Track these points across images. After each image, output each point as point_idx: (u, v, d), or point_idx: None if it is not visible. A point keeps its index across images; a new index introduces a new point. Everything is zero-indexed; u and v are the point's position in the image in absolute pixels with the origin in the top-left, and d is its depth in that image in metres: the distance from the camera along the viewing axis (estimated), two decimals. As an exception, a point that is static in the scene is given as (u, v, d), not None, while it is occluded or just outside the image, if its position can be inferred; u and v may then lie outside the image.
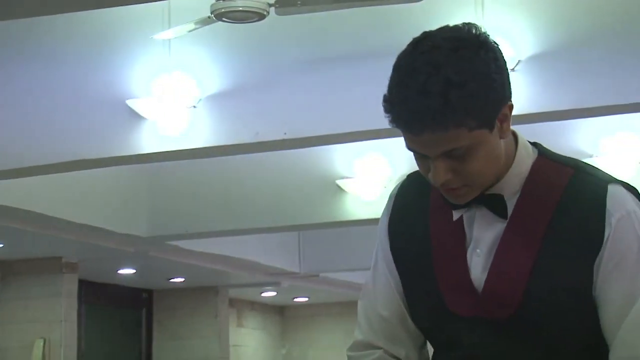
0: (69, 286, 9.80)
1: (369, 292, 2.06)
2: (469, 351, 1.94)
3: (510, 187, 1.90)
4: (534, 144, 1.96)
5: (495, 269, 1.90)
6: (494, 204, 1.90)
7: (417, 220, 2.00)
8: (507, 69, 1.84)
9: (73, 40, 5.89)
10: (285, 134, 5.67)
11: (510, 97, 1.84)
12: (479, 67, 1.77)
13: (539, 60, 5.17)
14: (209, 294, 12.04)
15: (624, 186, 1.91)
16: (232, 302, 13.19)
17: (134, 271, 10.87)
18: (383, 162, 7.70)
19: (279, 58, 5.72)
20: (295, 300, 14.73)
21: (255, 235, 9.35)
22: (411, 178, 2.04)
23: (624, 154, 6.89)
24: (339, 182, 7.90)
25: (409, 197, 2.02)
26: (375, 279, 2.06)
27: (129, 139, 5.89)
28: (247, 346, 14.47)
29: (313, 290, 13.37)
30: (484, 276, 1.91)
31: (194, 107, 5.79)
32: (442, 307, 1.95)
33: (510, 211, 1.90)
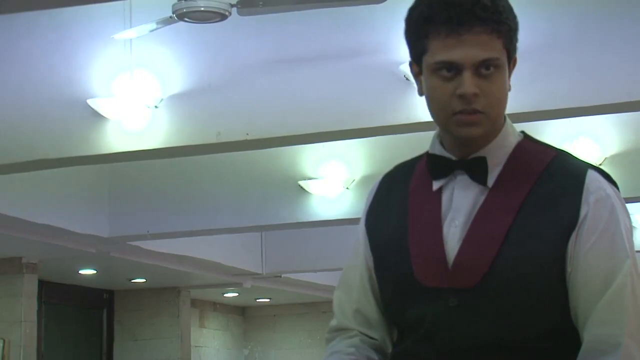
0: (29, 287, 9.72)
1: (345, 284, 2.08)
2: (432, 327, 1.92)
3: (495, 156, 1.93)
4: (521, 132, 2.01)
5: (468, 238, 1.90)
6: (476, 169, 1.92)
7: (398, 200, 2.02)
8: None
9: (33, 39, 5.84)
10: (247, 134, 5.66)
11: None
12: (510, 3, 1.92)
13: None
14: (171, 295, 11.99)
15: (605, 176, 1.93)
16: (194, 303, 13.14)
17: (95, 272, 10.81)
18: (344, 164, 7.70)
19: (242, 58, 5.70)
20: (258, 300, 14.71)
21: (217, 235, 9.33)
22: (397, 167, 2.07)
23: (584, 158, 6.95)
24: (301, 182, 7.90)
25: (392, 182, 2.05)
26: (351, 272, 2.07)
27: (90, 138, 5.85)
28: (209, 347, 14.43)
29: (275, 291, 13.36)
30: (459, 246, 1.91)
31: (156, 106, 5.76)
32: (409, 279, 1.94)
33: (491, 183, 1.92)
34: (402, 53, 4.94)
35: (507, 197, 1.90)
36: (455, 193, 1.94)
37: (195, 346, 13.36)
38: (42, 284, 10.19)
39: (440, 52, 1.86)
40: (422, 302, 1.94)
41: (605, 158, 7.12)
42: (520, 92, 5.17)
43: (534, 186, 1.90)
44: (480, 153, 1.93)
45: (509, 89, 1.93)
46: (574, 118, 6.70)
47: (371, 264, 2.03)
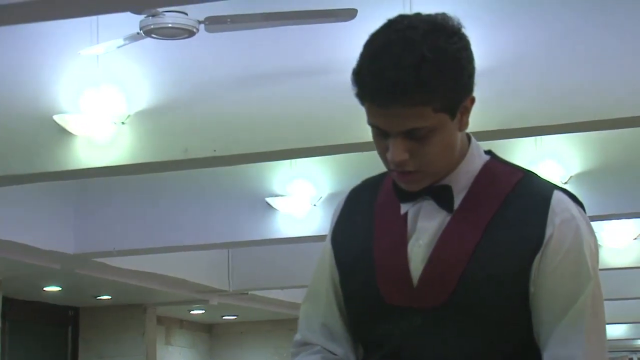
0: (-7, 304, 9.64)
1: (312, 296, 2.08)
2: (398, 345, 1.93)
3: (460, 182, 1.92)
4: (488, 152, 2.00)
5: (434, 258, 1.91)
6: (442, 197, 1.92)
7: (364, 216, 2.01)
8: (474, 63, 1.88)
9: (-1, 54, 5.82)
10: (215, 150, 5.65)
11: (473, 91, 1.87)
12: (451, 52, 1.81)
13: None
14: (137, 312, 11.92)
15: (571, 197, 1.94)
16: (161, 320, 13.07)
17: (60, 288, 10.72)
18: (312, 181, 7.70)
19: (209, 74, 5.69)
20: (224, 318, 14.65)
21: (184, 252, 9.29)
22: (365, 182, 2.07)
23: (549, 177, 7.02)
24: (268, 199, 7.89)
25: (359, 197, 2.05)
26: (316, 284, 2.07)
27: (57, 154, 5.82)
28: (175, 364, 14.36)
29: (242, 308, 13.31)
30: (423, 266, 1.91)
31: (123, 122, 5.73)
32: (376, 297, 1.95)
33: (457, 205, 1.92)
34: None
35: (473, 219, 1.91)
36: (421, 214, 1.94)
37: (161, 364, 13.28)
38: (6, 300, 10.09)
39: (369, 114, 1.83)
40: (389, 320, 1.94)
41: (571, 177, 7.17)
42: (486, 111, 5.21)
43: (500, 207, 1.90)
44: (445, 181, 1.92)
45: (465, 127, 1.89)
46: (539, 137, 6.75)
47: (337, 280, 2.03)
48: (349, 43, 5.21)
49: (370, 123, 1.85)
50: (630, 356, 20.04)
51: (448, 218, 1.92)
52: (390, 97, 1.79)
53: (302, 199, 7.73)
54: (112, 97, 5.69)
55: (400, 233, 1.95)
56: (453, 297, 1.88)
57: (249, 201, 7.99)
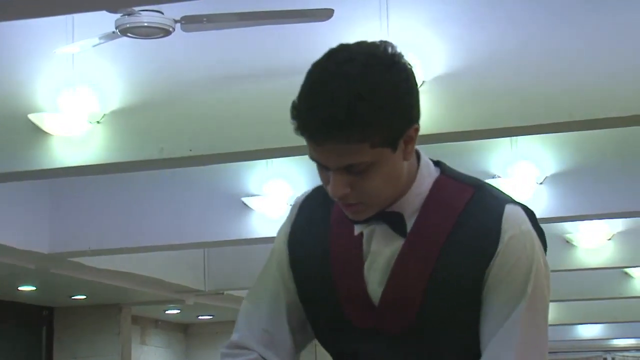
0: (-33, 303, 9.58)
1: (255, 298, 2.06)
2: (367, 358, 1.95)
3: (411, 206, 1.91)
4: (437, 163, 1.97)
5: (391, 285, 1.91)
6: (394, 222, 1.91)
7: (319, 231, 2.00)
8: (417, 92, 1.85)
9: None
10: (190, 150, 5.64)
11: (417, 119, 1.84)
12: (388, 85, 1.78)
13: (443, 80, 5.23)
14: (112, 312, 11.87)
15: (522, 208, 1.94)
16: (136, 320, 13.03)
17: (35, 288, 10.67)
18: (288, 181, 7.70)
19: (185, 74, 5.68)
20: (200, 318, 14.62)
21: (160, 252, 9.26)
22: (318, 190, 2.04)
23: (525, 177, 7.06)
24: (244, 199, 7.88)
25: (313, 208, 2.03)
26: (264, 286, 2.06)
27: (31, 153, 5.79)
28: (151, 364, 14.32)
29: (218, 308, 13.28)
30: (381, 289, 1.92)
31: (98, 122, 5.71)
32: (340, 318, 1.96)
33: (409, 229, 1.91)
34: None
35: (426, 243, 1.90)
36: (375, 237, 1.93)
37: (137, 364, 13.23)
38: (-20, 300, 10.04)
39: (309, 148, 1.82)
40: (355, 339, 1.96)
41: (546, 177, 7.20)
42: (461, 111, 5.22)
43: (453, 227, 1.90)
44: (396, 207, 1.90)
45: (410, 157, 1.86)
46: (514, 138, 6.77)
47: (292, 288, 2.02)
48: (325, 43, 5.19)
49: (310, 157, 1.84)
50: (604, 356, 20.14)
51: (401, 242, 1.91)
52: (325, 134, 1.77)
53: (278, 199, 7.72)
54: (87, 96, 5.67)
55: (356, 255, 1.94)
56: (415, 324, 1.90)
57: (225, 201, 7.97)
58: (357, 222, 1.92)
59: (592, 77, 5.14)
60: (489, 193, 1.94)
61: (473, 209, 1.91)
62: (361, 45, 1.84)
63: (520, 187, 6.92)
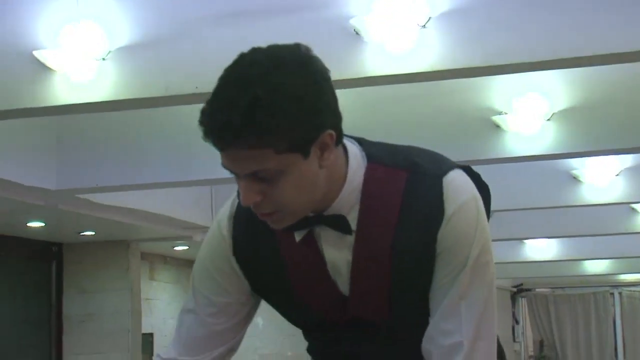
0: (-24, 240, 9.64)
1: (191, 314, 2.16)
2: (350, 347, 2.02)
3: (348, 203, 1.87)
4: (361, 144, 1.90)
5: (356, 291, 1.92)
6: (336, 223, 1.87)
7: (265, 239, 1.95)
8: (330, 96, 1.77)
9: (-23, -11, 5.73)
10: (196, 87, 5.60)
11: (332, 125, 1.77)
12: (293, 89, 1.72)
13: (450, 16, 5.18)
14: (120, 248, 11.94)
15: (460, 171, 1.91)
16: (144, 256, 13.11)
17: (44, 224, 10.72)
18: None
19: (192, 10, 5.63)
20: (208, 253, 14.69)
21: (167, 189, 9.28)
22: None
23: (532, 111, 7.01)
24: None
25: (249, 217, 1.94)
26: (197, 305, 2.18)
27: (37, 90, 5.77)
28: (160, 299, 14.43)
29: (226, 244, 13.35)
30: (349, 287, 1.94)
31: (103, 59, 5.68)
32: (319, 320, 2.01)
33: (353, 226, 1.88)
34: (351, 7, 4.91)
35: (376, 240, 1.89)
36: (323, 242, 1.91)
37: (146, 299, 13.34)
38: (-11, 237, 10.10)
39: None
40: (338, 332, 2.01)
41: (554, 113, 7.16)
42: (469, 47, 5.17)
43: (397, 222, 1.87)
44: (335, 208, 1.86)
45: (327, 163, 1.79)
46: (522, 73, 6.72)
47: (249, 296, 2.04)
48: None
49: (221, 164, 1.81)
50: (611, 291, 20.24)
51: (351, 239, 1.89)
52: (223, 139, 1.74)
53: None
54: (92, 33, 5.63)
55: (313, 259, 1.92)
56: (387, 322, 1.96)
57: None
58: (297, 229, 1.88)
59: (601, 12, 5.07)
60: (423, 172, 1.89)
61: (412, 195, 1.88)
62: (272, 47, 1.84)
63: (527, 122, 6.87)
